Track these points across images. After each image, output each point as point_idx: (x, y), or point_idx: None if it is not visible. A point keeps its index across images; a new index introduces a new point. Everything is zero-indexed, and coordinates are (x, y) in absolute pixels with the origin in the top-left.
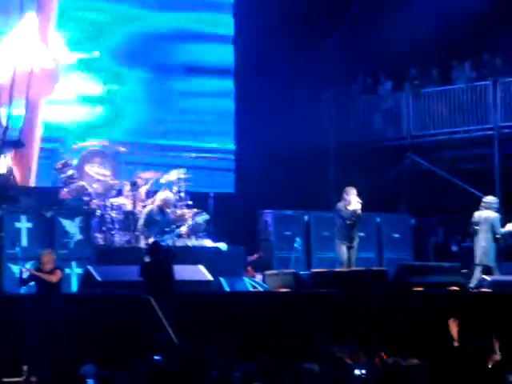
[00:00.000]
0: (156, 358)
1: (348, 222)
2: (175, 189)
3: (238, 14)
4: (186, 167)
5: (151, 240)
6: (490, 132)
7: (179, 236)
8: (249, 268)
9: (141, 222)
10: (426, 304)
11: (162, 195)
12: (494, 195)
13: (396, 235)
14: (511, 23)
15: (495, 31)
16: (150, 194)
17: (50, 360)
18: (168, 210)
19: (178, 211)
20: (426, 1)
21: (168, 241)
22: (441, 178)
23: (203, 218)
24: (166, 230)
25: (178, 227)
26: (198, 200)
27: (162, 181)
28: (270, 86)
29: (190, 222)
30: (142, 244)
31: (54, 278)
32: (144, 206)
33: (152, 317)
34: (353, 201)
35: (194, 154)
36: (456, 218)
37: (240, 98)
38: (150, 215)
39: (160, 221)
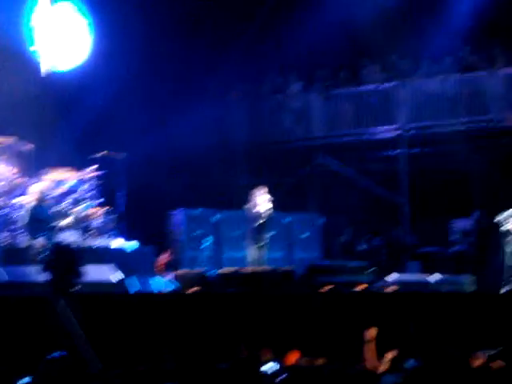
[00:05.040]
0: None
1: (255, 224)
2: (86, 187)
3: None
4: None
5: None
6: (397, 133)
7: (87, 234)
8: (159, 267)
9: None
10: (333, 304)
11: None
12: (401, 196)
13: (306, 235)
14: (419, 25)
15: (403, 33)
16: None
17: None
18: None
19: (91, 210)
20: (335, 3)
21: (75, 240)
22: (349, 178)
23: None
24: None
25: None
26: (109, 198)
27: (73, 179)
28: (182, 87)
29: (100, 220)
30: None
31: None
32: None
33: (58, 318)
34: (259, 202)
35: (106, 152)
36: (364, 218)
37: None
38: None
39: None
